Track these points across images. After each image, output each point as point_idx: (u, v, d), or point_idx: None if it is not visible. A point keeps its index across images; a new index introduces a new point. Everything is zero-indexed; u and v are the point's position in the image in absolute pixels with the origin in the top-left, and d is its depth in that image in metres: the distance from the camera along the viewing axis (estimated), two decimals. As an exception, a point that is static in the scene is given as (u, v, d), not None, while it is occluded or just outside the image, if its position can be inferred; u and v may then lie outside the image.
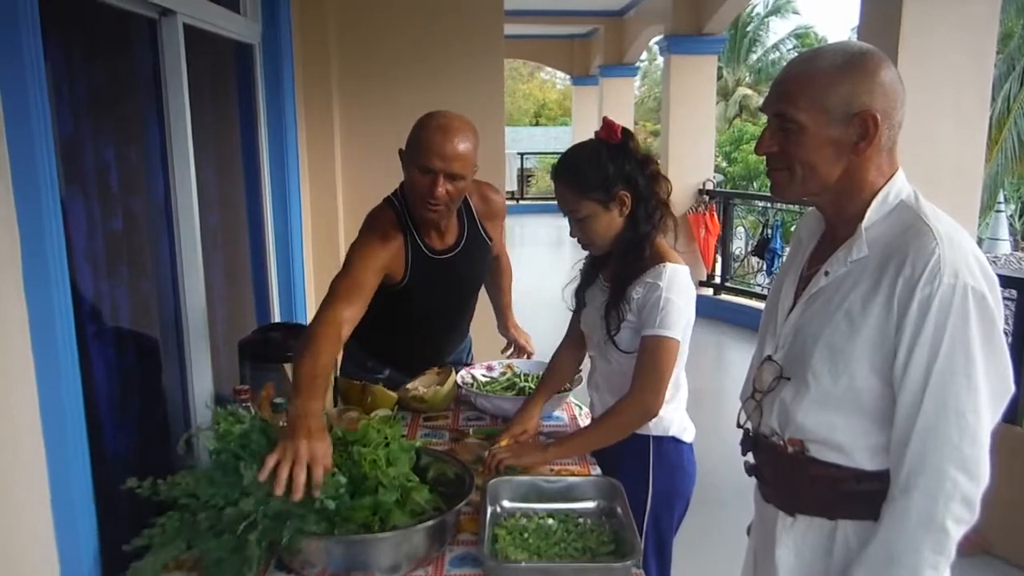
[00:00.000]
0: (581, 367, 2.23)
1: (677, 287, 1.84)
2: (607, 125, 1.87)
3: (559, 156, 1.97)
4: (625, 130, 1.87)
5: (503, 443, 1.94)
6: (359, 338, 2.45)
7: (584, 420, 2.25)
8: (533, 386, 2.30)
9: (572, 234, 1.94)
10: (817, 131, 1.32)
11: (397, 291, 2.17)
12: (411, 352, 2.42)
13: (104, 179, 1.93)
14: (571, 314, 2.14)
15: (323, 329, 1.83)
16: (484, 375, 2.45)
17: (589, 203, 1.85)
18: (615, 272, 1.92)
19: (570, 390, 2.29)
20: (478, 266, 2.36)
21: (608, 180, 1.83)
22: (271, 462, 1.44)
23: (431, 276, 2.19)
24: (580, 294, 2.04)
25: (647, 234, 1.88)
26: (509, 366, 2.51)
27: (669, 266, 1.86)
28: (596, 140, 1.89)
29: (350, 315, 1.92)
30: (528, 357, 2.61)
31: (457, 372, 2.37)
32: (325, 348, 1.79)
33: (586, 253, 2.07)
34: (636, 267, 1.87)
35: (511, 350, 2.67)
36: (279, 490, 1.42)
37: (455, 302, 2.38)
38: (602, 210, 1.86)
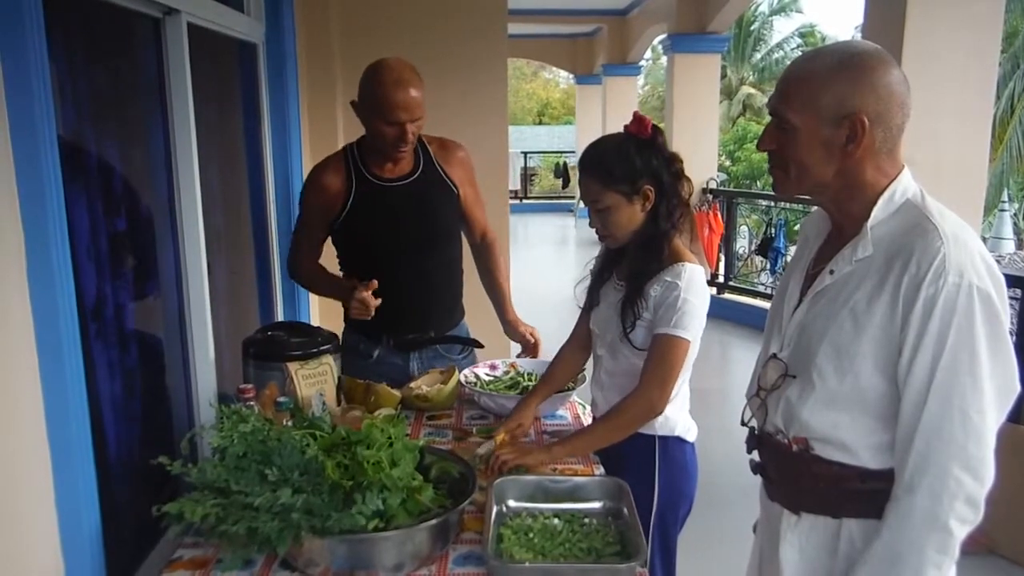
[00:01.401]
0: (584, 367, 2.23)
1: (695, 288, 1.84)
2: (637, 119, 1.87)
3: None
4: (655, 126, 1.87)
5: (499, 438, 1.94)
6: (346, 315, 2.49)
7: (587, 419, 2.25)
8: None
9: (591, 224, 1.95)
10: (808, 132, 1.33)
11: (346, 221, 2.33)
12: (392, 313, 2.34)
13: (108, 178, 1.94)
14: (577, 312, 2.14)
15: (299, 273, 2.52)
16: (488, 374, 2.45)
17: (613, 194, 1.85)
18: (632, 269, 1.92)
19: (573, 389, 2.28)
20: (439, 203, 2.39)
21: (635, 173, 1.84)
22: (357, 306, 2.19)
23: (382, 202, 2.32)
24: (593, 292, 2.04)
25: (666, 232, 1.88)
26: (513, 364, 2.50)
27: (688, 266, 1.86)
28: (625, 133, 1.89)
29: (307, 257, 2.45)
30: (534, 355, 2.57)
31: (460, 371, 2.37)
32: (312, 279, 2.49)
33: (595, 254, 2.07)
34: (654, 265, 1.87)
35: (522, 351, 2.62)
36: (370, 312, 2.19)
37: (419, 239, 2.35)
38: (625, 202, 1.86)
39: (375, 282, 2.15)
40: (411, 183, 2.35)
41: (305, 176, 3.35)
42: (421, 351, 2.46)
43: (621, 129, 1.92)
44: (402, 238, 2.33)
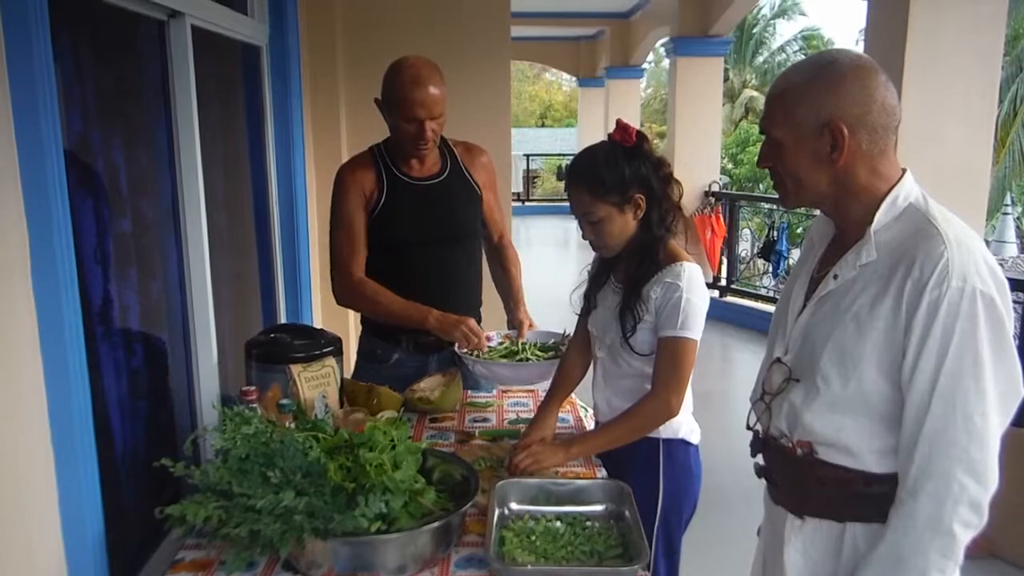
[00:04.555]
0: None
1: (696, 288, 1.85)
2: (622, 127, 1.86)
3: (572, 157, 1.97)
4: (640, 132, 1.86)
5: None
6: (365, 321, 2.51)
7: (589, 421, 2.25)
8: (531, 354, 2.29)
9: (584, 236, 1.94)
10: (793, 145, 1.35)
11: (379, 217, 2.32)
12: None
13: (112, 180, 1.94)
14: (578, 316, 2.13)
15: (362, 290, 2.32)
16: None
17: (605, 206, 1.84)
18: (628, 275, 1.91)
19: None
20: (465, 204, 2.43)
21: (624, 183, 1.83)
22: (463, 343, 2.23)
23: (413, 200, 2.34)
24: (590, 296, 2.04)
25: (660, 237, 1.88)
26: (507, 336, 2.45)
27: (686, 265, 1.86)
28: (610, 142, 1.87)
29: (360, 263, 2.35)
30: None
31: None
32: (379, 291, 2.30)
33: (593, 257, 2.07)
34: (650, 270, 1.87)
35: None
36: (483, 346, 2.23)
37: (444, 238, 2.38)
38: (617, 213, 1.85)
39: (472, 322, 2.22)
40: (440, 183, 2.38)
41: (308, 178, 3.38)
42: (439, 354, 2.45)
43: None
44: (428, 237, 2.35)
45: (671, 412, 1.85)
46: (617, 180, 1.83)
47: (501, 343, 2.43)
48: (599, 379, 2.04)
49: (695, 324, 1.84)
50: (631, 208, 1.86)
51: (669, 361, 1.84)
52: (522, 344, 2.39)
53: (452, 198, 2.39)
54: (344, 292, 2.38)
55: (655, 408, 1.85)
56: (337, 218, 2.35)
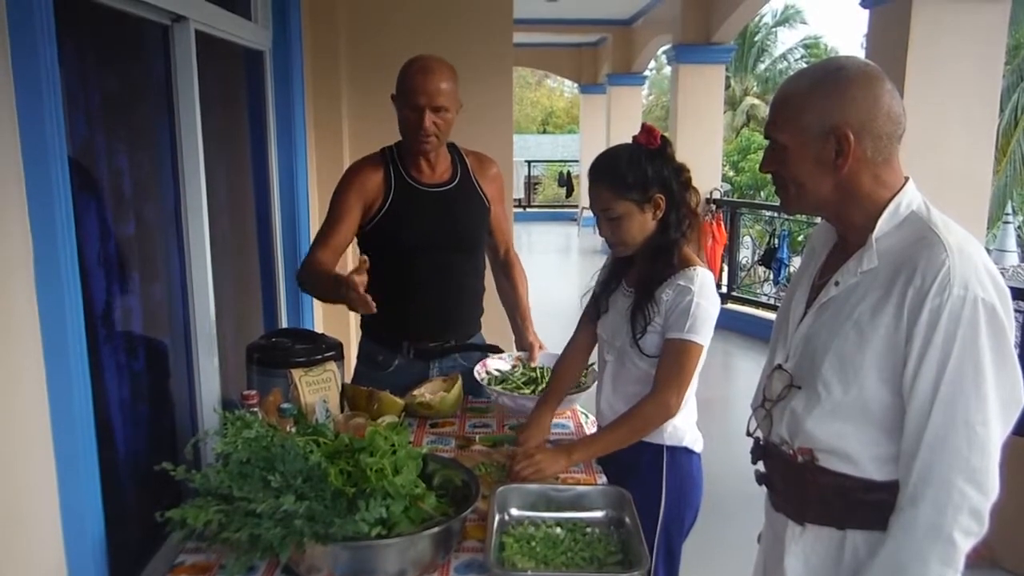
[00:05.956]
0: (590, 363, 2.22)
1: (707, 293, 1.87)
2: (647, 130, 1.90)
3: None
4: (663, 136, 1.90)
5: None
6: (365, 325, 2.49)
7: (590, 428, 2.25)
8: None
9: (602, 233, 1.96)
10: (798, 150, 1.36)
11: (384, 220, 2.31)
12: (415, 320, 2.38)
13: (116, 184, 1.95)
14: (578, 320, 2.14)
15: (306, 269, 2.28)
16: (498, 371, 2.42)
17: (625, 203, 1.87)
18: (642, 277, 1.93)
19: (586, 387, 2.27)
20: (473, 214, 2.43)
21: (646, 181, 1.86)
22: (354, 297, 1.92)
23: (419, 205, 2.33)
24: (601, 300, 2.05)
25: (676, 240, 1.90)
26: (518, 358, 2.48)
27: (700, 270, 1.88)
28: (635, 143, 1.90)
29: (328, 253, 2.29)
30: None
31: (473, 366, 2.36)
32: (315, 266, 2.24)
33: (599, 262, 2.08)
34: (664, 272, 1.89)
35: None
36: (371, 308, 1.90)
37: (450, 245, 2.37)
38: (637, 211, 1.88)
39: (366, 259, 1.92)
40: (449, 190, 2.37)
41: (310, 182, 3.38)
42: (441, 360, 2.46)
43: (627, 139, 1.94)
44: (434, 243, 2.34)
45: (669, 413, 1.86)
46: (639, 179, 1.86)
47: (514, 367, 2.45)
48: (606, 384, 2.05)
49: (703, 329, 1.85)
50: (651, 207, 1.88)
51: (672, 362, 1.85)
52: (540, 371, 2.40)
53: (460, 207, 2.39)
54: (299, 273, 2.36)
55: (654, 408, 1.86)
56: (329, 210, 2.36)
